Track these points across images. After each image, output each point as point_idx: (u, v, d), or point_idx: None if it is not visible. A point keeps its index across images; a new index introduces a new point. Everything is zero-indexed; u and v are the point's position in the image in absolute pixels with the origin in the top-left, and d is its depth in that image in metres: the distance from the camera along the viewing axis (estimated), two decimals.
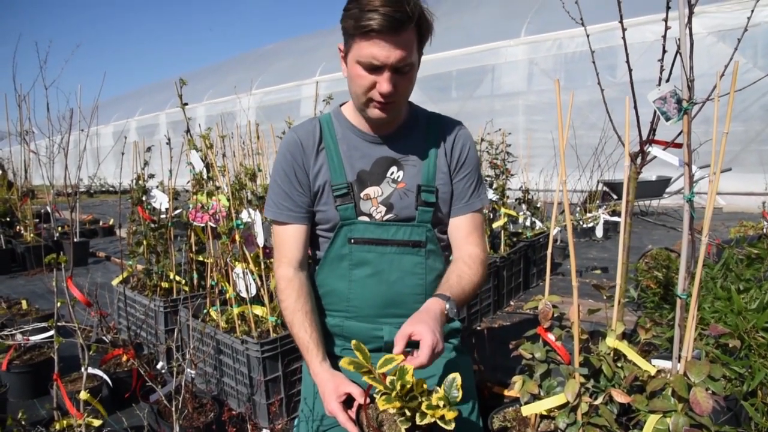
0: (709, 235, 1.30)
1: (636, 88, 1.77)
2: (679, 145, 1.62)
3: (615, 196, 7.07)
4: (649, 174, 7.26)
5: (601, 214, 6.20)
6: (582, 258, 5.38)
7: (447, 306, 1.35)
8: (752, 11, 1.86)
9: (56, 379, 2.02)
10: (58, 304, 1.97)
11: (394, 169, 1.50)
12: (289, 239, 1.51)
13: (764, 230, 3.73)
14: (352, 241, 1.48)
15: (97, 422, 1.91)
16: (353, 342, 1.24)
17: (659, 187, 7.15)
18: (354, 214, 1.47)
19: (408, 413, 1.18)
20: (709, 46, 7.87)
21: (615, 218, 6.22)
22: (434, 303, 1.34)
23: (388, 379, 1.20)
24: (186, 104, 2.47)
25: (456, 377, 1.22)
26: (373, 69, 1.31)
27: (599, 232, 6.14)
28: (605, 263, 5.10)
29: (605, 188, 7.19)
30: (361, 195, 1.48)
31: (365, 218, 1.48)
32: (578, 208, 6.75)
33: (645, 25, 7.94)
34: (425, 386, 1.21)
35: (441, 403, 1.16)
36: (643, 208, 8.04)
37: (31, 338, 2.62)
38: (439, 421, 1.14)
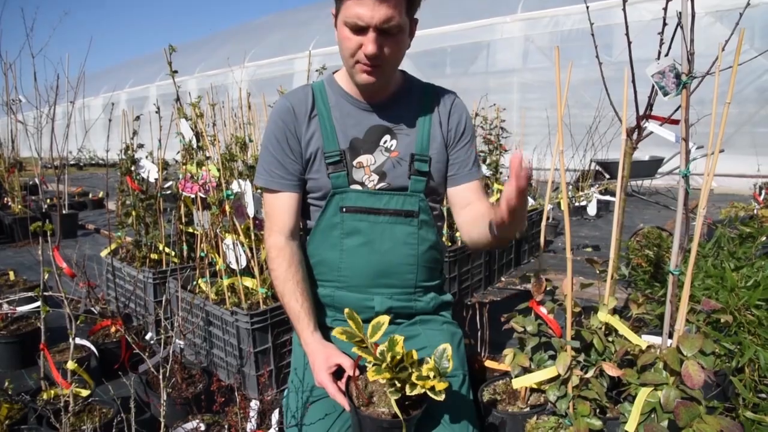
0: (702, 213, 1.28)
1: (633, 67, 1.74)
2: (677, 122, 1.60)
3: (608, 175, 7.07)
4: (642, 154, 7.26)
5: (593, 193, 6.21)
6: (573, 236, 5.39)
7: None
8: None
9: (43, 348, 1.99)
10: (45, 275, 1.94)
11: (387, 137, 1.46)
12: (281, 207, 1.48)
13: (755, 211, 3.75)
14: (344, 209, 1.45)
15: (84, 392, 1.90)
16: (346, 310, 1.23)
17: (652, 166, 7.16)
18: (346, 182, 1.44)
19: (398, 384, 1.17)
20: (706, 26, 7.79)
21: (607, 197, 6.22)
22: None
23: (379, 349, 1.19)
24: (176, 72, 2.42)
25: (446, 348, 1.21)
26: (359, 30, 1.28)
27: (592, 210, 6.14)
28: (596, 241, 5.12)
29: (598, 167, 7.18)
30: (354, 163, 1.45)
31: (357, 187, 1.45)
32: (570, 187, 6.75)
33: (641, 3, 7.84)
34: (415, 357, 1.20)
35: (431, 374, 1.15)
36: (635, 188, 8.05)
37: (18, 308, 2.60)
38: (429, 392, 1.14)
